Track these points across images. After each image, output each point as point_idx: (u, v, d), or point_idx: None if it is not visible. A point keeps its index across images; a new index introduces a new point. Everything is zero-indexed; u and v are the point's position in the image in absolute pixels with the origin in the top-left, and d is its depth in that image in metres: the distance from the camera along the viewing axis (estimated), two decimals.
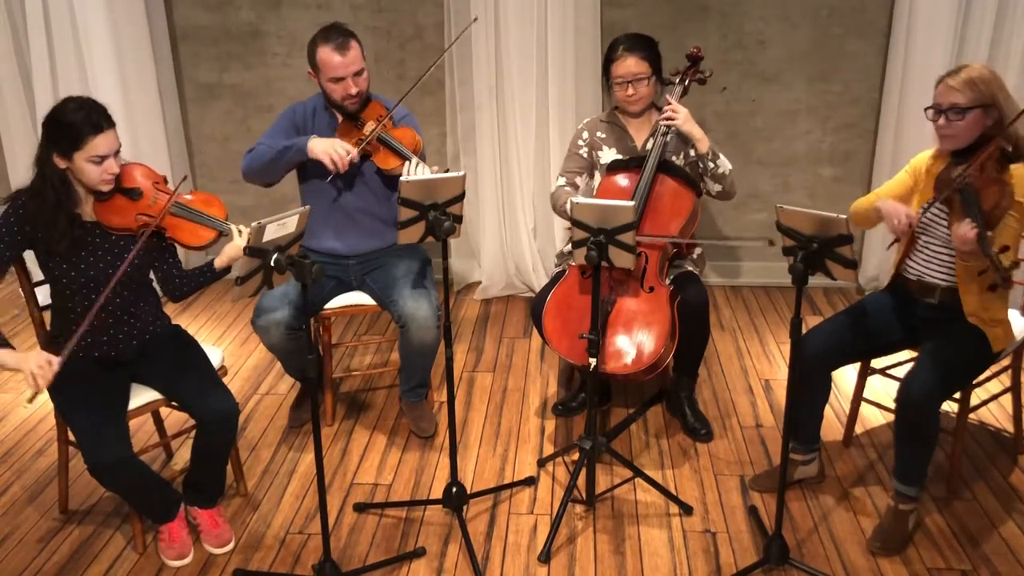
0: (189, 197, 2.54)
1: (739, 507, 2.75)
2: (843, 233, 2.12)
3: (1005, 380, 3.00)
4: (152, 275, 2.61)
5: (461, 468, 2.96)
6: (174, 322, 2.70)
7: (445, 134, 4.37)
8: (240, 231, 2.46)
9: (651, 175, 2.94)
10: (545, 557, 2.52)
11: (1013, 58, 3.79)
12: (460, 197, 2.45)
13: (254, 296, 2.24)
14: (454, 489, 2.64)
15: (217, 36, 4.39)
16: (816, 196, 4.37)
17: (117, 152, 2.37)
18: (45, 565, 2.55)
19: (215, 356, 2.70)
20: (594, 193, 3.13)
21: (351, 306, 3.14)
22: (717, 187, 3.03)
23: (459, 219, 2.45)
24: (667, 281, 2.95)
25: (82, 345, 2.47)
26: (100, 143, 2.30)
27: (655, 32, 3.13)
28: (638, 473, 2.82)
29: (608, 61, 3.01)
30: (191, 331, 2.76)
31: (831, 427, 3.13)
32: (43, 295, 2.53)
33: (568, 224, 3.13)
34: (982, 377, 2.69)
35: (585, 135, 3.15)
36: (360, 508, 2.77)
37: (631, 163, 3.02)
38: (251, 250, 2.07)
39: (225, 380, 2.62)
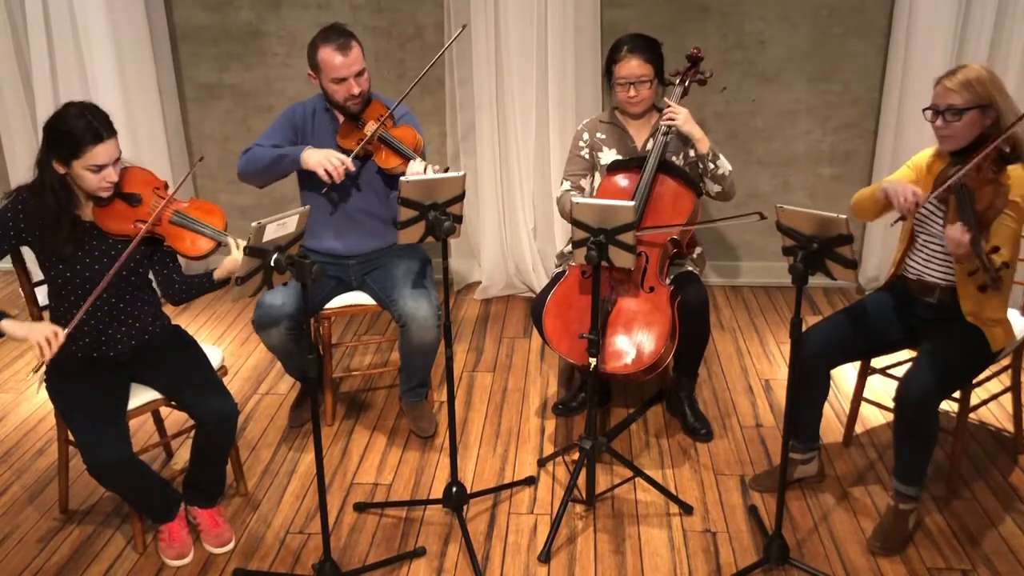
0: (185, 203, 2.52)
1: (739, 507, 2.75)
2: (843, 233, 2.12)
3: (1005, 380, 3.00)
4: (152, 277, 2.61)
5: (461, 468, 2.96)
6: (174, 322, 2.70)
7: (445, 134, 4.37)
8: (237, 244, 2.44)
9: (651, 175, 2.95)
10: (545, 557, 2.52)
11: (1013, 58, 3.80)
12: (460, 197, 2.45)
13: (254, 296, 2.24)
14: (454, 489, 2.64)
15: (217, 36, 4.39)
16: (816, 196, 4.37)
17: (117, 160, 2.36)
18: (45, 565, 2.55)
19: (215, 356, 2.70)
20: (594, 194, 3.13)
21: (351, 306, 3.14)
22: (717, 188, 3.03)
23: (459, 219, 2.45)
24: (667, 281, 2.95)
25: (82, 345, 2.48)
26: (100, 152, 2.29)
27: (655, 32, 3.13)
28: (638, 473, 2.82)
29: (611, 61, 3.01)
30: (191, 331, 2.76)
31: (831, 427, 3.13)
32: (43, 295, 2.53)
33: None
34: (982, 377, 2.69)
35: (585, 136, 3.15)
36: (360, 508, 2.77)
37: (631, 163, 3.02)
38: (251, 250, 2.07)
39: (225, 380, 2.63)
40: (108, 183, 2.35)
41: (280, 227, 2.10)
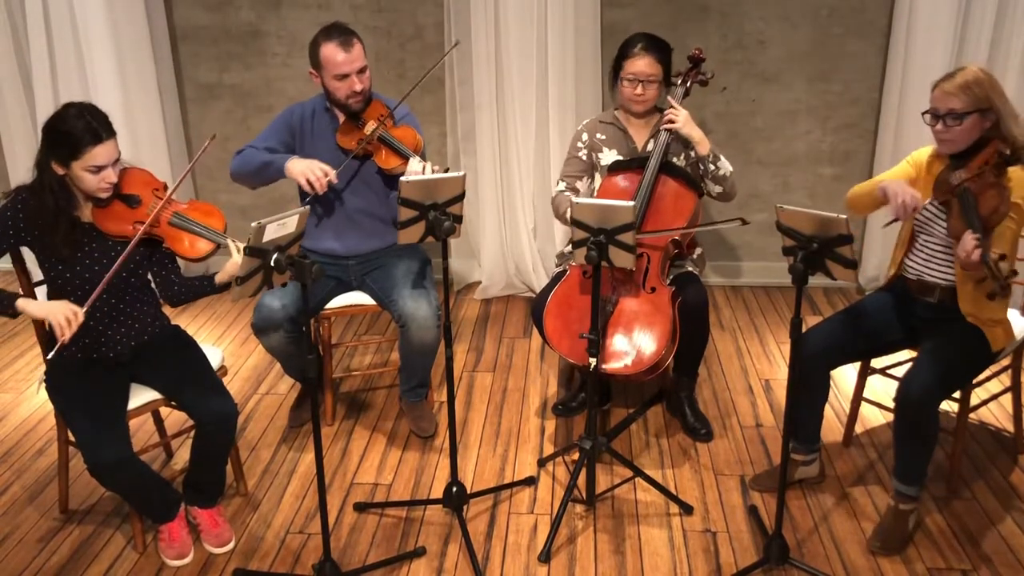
0: (185, 205, 2.52)
1: (739, 507, 2.75)
2: (843, 233, 2.12)
3: (1005, 380, 3.00)
4: (151, 278, 2.61)
5: (461, 468, 2.96)
6: (174, 322, 2.70)
7: (445, 134, 4.37)
8: (237, 247, 2.43)
9: (653, 176, 2.95)
10: (545, 557, 2.52)
11: (1013, 58, 3.80)
12: (460, 197, 2.45)
13: (254, 296, 2.24)
14: (454, 489, 2.64)
15: (217, 36, 4.39)
16: (816, 196, 4.37)
17: (116, 161, 2.35)
18: (45, 565, 2.55)
19: (215, 356, 2.70)
20: (595, 194, 3.13)
21: (351, 306, 3.14)
22: (718, 189, 3.04)
23: (459, 219, 2.45)
24: (668, 281, 2.95)
25: (82, 346, 2.47)
26: (99, 153, 2.29)
27: (655, 32, 3.12)
28: (638, 473, 2.82)
29: (622, 56, 3.00)
30: (191, 331, 2.76)
31: (831, 427, 3.13)
32: (42, 295, 2.53)
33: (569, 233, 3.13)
34: (982, 377, 2.69)
35: (585, 137, 3.15)
36: (360, 508, 2.77)
37: (633, 164, 3.02)
38: (251, 250, 2.07)
39: (225, 380, 2.63)
40: (107, 184, 2.34)
41: (280, 227, 2.10)
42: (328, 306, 3.11)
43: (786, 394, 2.95)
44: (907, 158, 2.70)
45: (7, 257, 2.49)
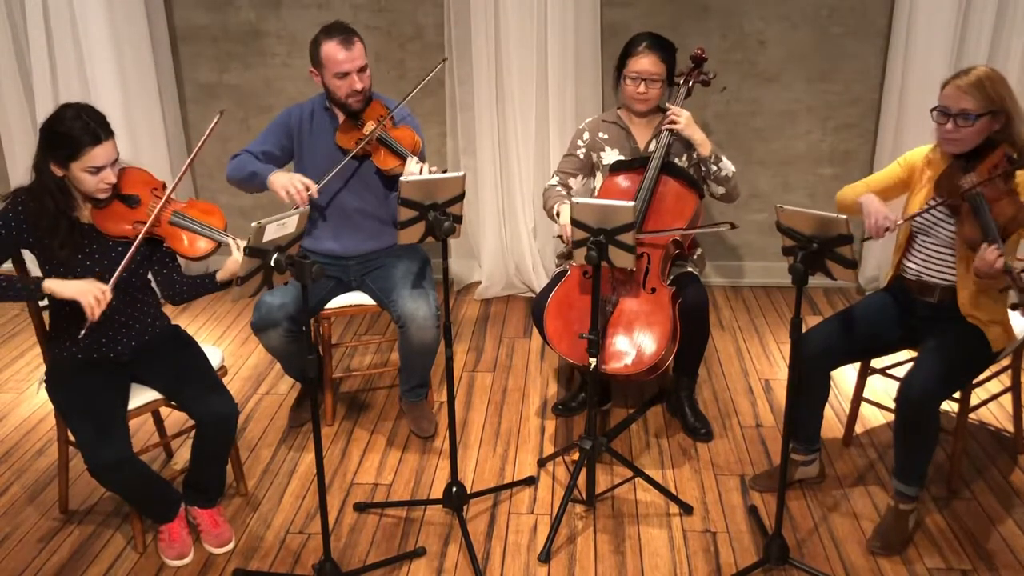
0: (184, 204, 2.52)
1: (739, 507, 2.75)
2: (843, 233, 2.12)
3: (1005, 380, 3.00)
4: (151, 277, 2.61)
5: (461, 468, 2.96)
6: (174, 322, 2.70)
7: (445, 134, 4.37)
8: (238, 245, 2.43)
9: (654, 176, 2.95)
10: (545, 557, 2.52)
11: (1013, 58, 3.80)
12: (460, 197, 2.45)
13: (254, 296, 2.24)
14: (454, 489, 2.64)
15: (217, 36, 4.39)
16: (816, 196, 4.37)
17: (115, 161, 2.35)
18: (45, 565, 2.55)
19: (215, 356, 2.70)
20: (596, 194, 3.13)
21: (351, 306, 3.14)
22: (720, 190, 3.04)
23: (459, 219, 2.45)
24: (668, 281, 2.95)
25: (82, 346, 2.47)
26: (98, 154, 2.28)
27: (655, 32, 3.13)
28: (638, 473, 2.82)
29: (626, 55, 3.00)
30: (191, 331, 2.76)
31: (831, 427, 3.13)
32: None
33: (556, 231, 3.13)
34: (982, 377, 2.69)
35: (586, 136, 3.14)
36: (360, 508, 2.77)
37: (634, 164, 3.02)
38: (251, 250, 2.07)
39: (225, 380, 2.63)
40: (106, 184, 2.34)
41: (280, 227, 2.10)
42: (328, 306, 3.11)
43: (786, 394, 2.95)
44: (899, 159, 2.69)
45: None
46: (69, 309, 2.44)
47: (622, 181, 3.02)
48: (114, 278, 2.32)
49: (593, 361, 2.52)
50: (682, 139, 3.00)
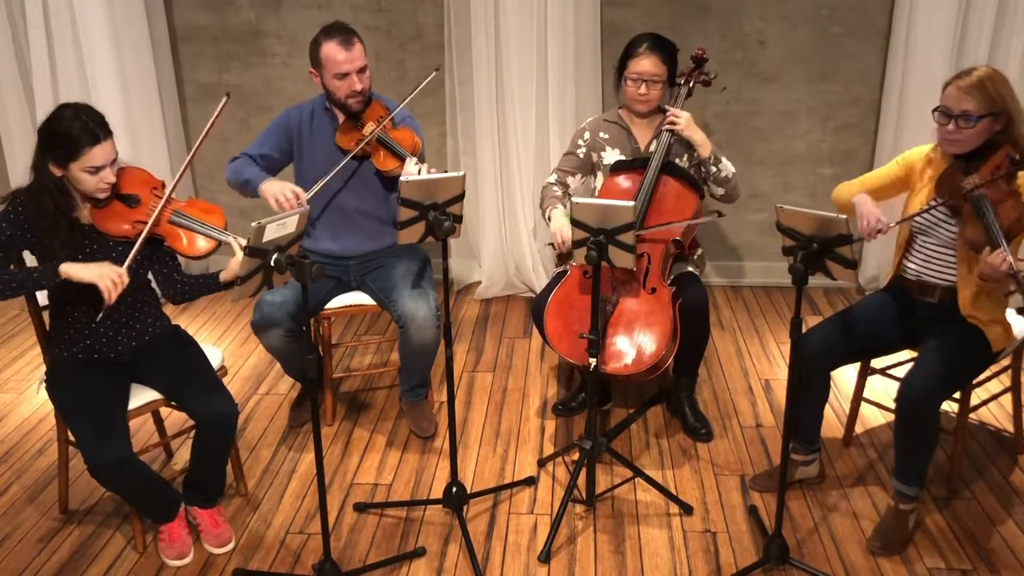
0: (184, 203, 2.52)
1: (739, 507, 2.75)
2: (843, 233, 2.12)
3: (1005, 380, 3.00)
4: (151, 276, 2.60)
5: (461, 468, 2.96)
6: (174, 322, 2.70)
7: (445, 134, 4.37)
8: (241, 245, 2.43)
9: (655, 176, 2.95)
10: (545, 557, 2.52)
11: (1013, 58, 3.80)
12: (460, 197, 2.45)
13: (254, 296, 2.24)
14: (454, 489, 2.64)
15: (217, 36, 4.39)
16: (816, 196, 4.37)
17: (114, 161, 2.35)
18: (45, 565, 2.55)
19: (215, 356, 2.70)
20: (596, 193, 3.13)
21: (351, 306, 3.13)
22: (720, 191, 3.04)
23: (459, 219, 2.45)
24: (668, 282, 2.95)
25: (82, 347, 2.47)
26: (97, 154, 2.28)
27: (655, 32, 3.13)
28: (638, 473, 2.82)
29: (627, 56, 3.00)
30: (191, 331, 2.76)
31: (831, 427, 3.13)
32: (43, 295, 2.53)
33: (548, 241, 3.13)
34: (982, 377, 2.69)
35: (587, 135, 3.14)
36: (360, 508, 2.77)
37: (635, 164, 3.02)
38: (251, 250, 2.07)
39: (225, 380, 2.63)
40: (106, 184, 2.34)
41: (280, 227, 2.10)
42: (328, 306, 3.11)
43: (786, 394, 2.95)
44: (897, 158, 2.68)
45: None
46: (71, 307, 2.44)
47: (622, 181, 3.02)
48: (128, 260, 2.32)
49: (593, 361, 2.52)
50: (683, 139, 3.00)
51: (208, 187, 4.65)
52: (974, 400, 2.81)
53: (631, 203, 2.34)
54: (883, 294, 2.76)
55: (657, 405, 3.34)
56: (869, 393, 3.09)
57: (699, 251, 3.19)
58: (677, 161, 3.04)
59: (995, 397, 2.97)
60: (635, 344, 2.81)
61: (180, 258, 2.56)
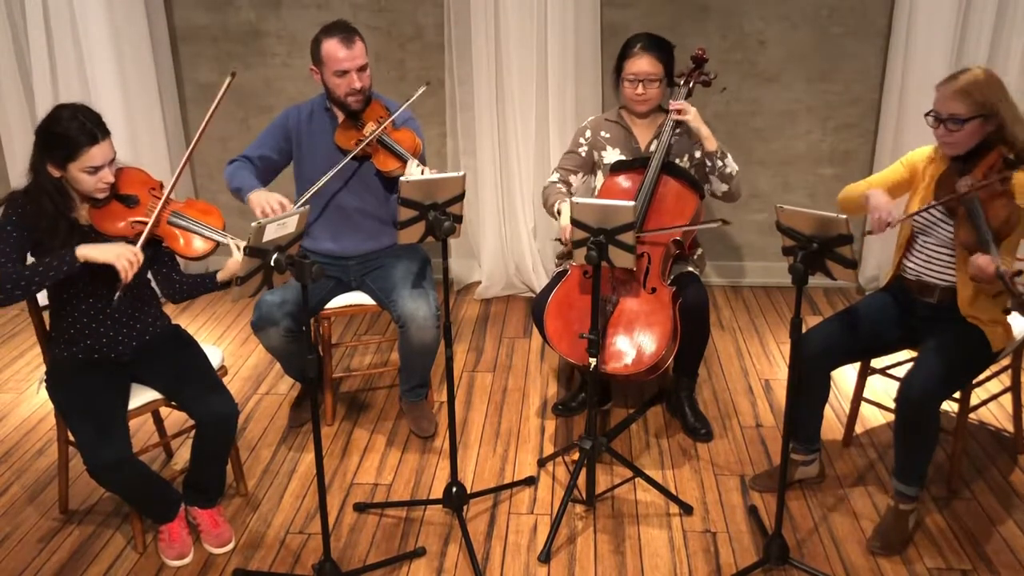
0: (182, 203, 2.52)
1: (739, 507, 2.75)
2: (843, 233, 2.12)
3: (1005, 380, 3.00)
4: (151, 276, 2.60)
5: (461, 468, 2.96)
6: (174, 322, 2.70)
7: (445, 134, 4.37)
8: (238, 246, 2.43)
9: (655, 176, 2.95)
10: (545, 557, 2.52)
11: (1013, 58, 3.80)
12: (460, 197, 2.45)
13: (254, 296, 2.24)
14: (454, 489, 2.64)
15: (217, 36, 4.39)
16: (816, 196, 4.37)
17: (112, 161, 2.35)
18: (45, 565, 2.55)
19: (215, 356, 2.70)
20: (596, 193, 3.13)
21: (351, 306, 3.14)
22: (723, 187, 3.03)
23: (459, 219, 2.45)
24: (668, 281, 2.95)
25: (82, 347, 2.47)
26: (95, 154, 2.28)
27: (655, 32, 3.13)
28: (638, 473, 2.82)
29: (623, 56, 3.00)
30: (191, 331, 2.76)
31: (831, 427, 3.13)
32: (42, 295, 2.53)
33: (556, 233, 3.12)
34: (982, 377, 2.69)
35: (588, 134, 3.15)
36: (360, 508, 2.77)
37: (635, 163, 3.02)
38: (251, 250, 2.07)
39: (225, 380, 2.63)
40: (104, 184, 2.34)
41: (280, 227, 2.10)
42: (328, 306, 3.11)
43: (786, 394, 2.95)
44: (902, 159, 2.69)
45: None
46: (71, 307, 2.44)
47: (623, 181, 3.02)
48: (143, 238, 2.32)
49: (593, 361, 2.52)
50: (683, 139, 3.00)
51: (208, 187, 4.65)
52: (974, 400, 2.81)
53: (631, 203, 2.34)
54: (883, 294, 2.76)
55: (657, 405, 3.34)
56: (869, 393, 3.09)
57: (699, 251, 3.19)
58: (677, 161, 3.04)
59: (995, 397, 2.97)
60: (635, 344, 2.81)
61: (179, 258, 2.56)
